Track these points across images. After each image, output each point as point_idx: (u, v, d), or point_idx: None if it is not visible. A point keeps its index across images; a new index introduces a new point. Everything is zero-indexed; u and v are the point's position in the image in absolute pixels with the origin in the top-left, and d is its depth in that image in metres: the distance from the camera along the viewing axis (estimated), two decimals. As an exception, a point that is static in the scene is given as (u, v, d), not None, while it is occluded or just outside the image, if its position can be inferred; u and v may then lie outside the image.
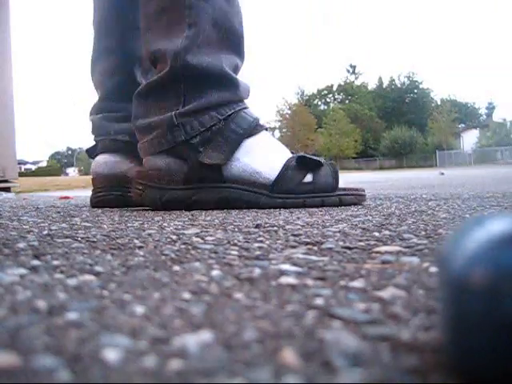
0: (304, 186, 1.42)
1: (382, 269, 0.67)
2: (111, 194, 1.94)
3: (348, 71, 62.03)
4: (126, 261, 0.75)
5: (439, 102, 55.93)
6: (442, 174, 10.60)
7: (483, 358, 0.27)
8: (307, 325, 0.42)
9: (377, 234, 1.01)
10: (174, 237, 1.02)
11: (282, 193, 1.38)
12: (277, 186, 1.38)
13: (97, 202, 1.97)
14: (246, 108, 1.45)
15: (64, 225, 1.30)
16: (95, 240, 0.98)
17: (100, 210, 1.90)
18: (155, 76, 1.39)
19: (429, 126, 49.80)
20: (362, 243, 0.89)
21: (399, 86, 57.97)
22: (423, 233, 1.01)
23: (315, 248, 0.85)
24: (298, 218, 1.36)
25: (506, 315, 0.26)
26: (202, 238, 0.99)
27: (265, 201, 1.38)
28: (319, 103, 61.87)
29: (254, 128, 1.42)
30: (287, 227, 1.15)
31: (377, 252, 0.80)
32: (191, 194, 1.40)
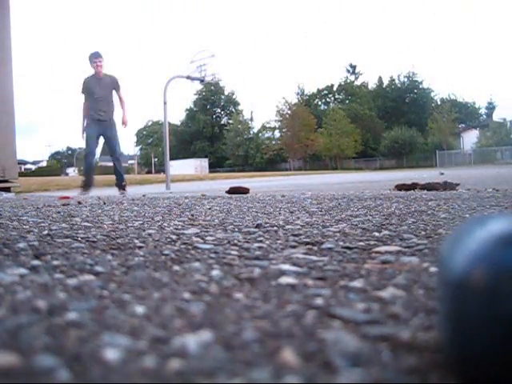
0: None
1: (382, 269, 0.67)
2: None
3: (348, 71, 62.12)
4: (125, 261, 0.75)
5: (439, 102, 55.96)
6: (442, 173, 10.60)
7: (483, 358, 0.27)
8: (307, 325, 0.42)
9: (377, 233, 1.02)
10: (174, 237, 1.02)
11: None
12: None
13: None
14: None
15: (64, 225, 1.30)
16: (95, 240, 0.98)
17: (100, 210, 1.90)
18: None
19: (429, 125, 49.82)
20: (362, 243, 0.90)
21: (399, 85, 57.99)
22: (423, 233, 1.01)
23: (315, 248, 0.85)
24: (298, 218, 1.36)
25: (506, 315, 0.26)
26: (202, 238, 0.99)
27: None
28: (319, 103, 61.91)
29: None
30: (287, 227, 1.15)
31: (377, 252, 0.80)
32: None
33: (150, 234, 1.05)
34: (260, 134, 55.39)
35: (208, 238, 0.99)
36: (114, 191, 5.81)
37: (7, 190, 4.89)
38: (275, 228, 1.13)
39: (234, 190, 3.64)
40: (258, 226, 1.16)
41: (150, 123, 64.40)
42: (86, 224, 1.30)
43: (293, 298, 0.51)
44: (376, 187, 4.23)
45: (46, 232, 1.11)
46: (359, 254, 0.78)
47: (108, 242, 0.94)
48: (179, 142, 56.92)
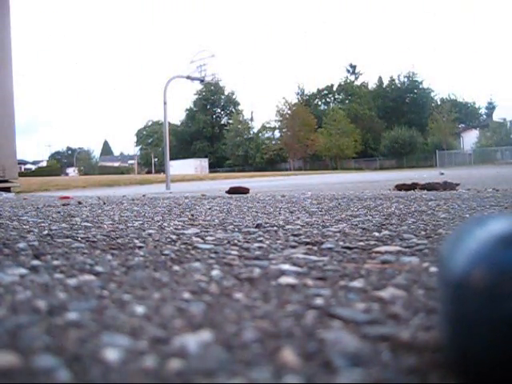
0: None
1: (382, 269, 0.67)
2: None
3: (348, 71, 62.13)
4: (125, 261, 0.75)
5: (439, 102, 55.97)
6: (442, 173, 10.60)
7: (483, 358, 0.27)
8: (307, 325, 0.42)
9: (377, 233, 1.02)
10: (174, 237, 1.02)
11: None
12: None
13: None
14: None
15: (64, 225, 1.30)
16: (95, 240, 0.98)
17: (100, 210, 1.90)
18: None
19: (429, 125, 49.88)
20: (362, 243, 0.90)
21: (399, 85, 57.99)
22: (423, 233, 1.01)
23: (315, 248, 0.85)
24: (298, 218, 1.36)
25: (506, 315, 0.26)
26: (202, 238, 0.99)
27: None
28: (319, 103, 61.92)
29: None
30: (287, 227, 1.15)
31: (377, 252, 0.80)
32: None
33: (150, 234, 1.05)
34: (260, 134, 55.37)
35: (208, 238, 0.99)
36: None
37: (7, 189, 4.89)
38: (275, 228, 1.13)
39: (233, 190, 3.64)
40: (258, 226, 1.16)
41: (150, 123, 64.39)
42: (86, 224, 1.30)
43: (293, 298, 0.51)
44: (376, 187, 4.23)
45: (46, 232, 1.11)
46: (359, 254, 0.78)
47: (108, 242, 0.94)
48: (179, 142, 56.90)
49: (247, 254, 0.79)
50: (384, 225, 1.14)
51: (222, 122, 59.42)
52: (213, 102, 59.82)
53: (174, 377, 0.30)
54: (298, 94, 60.35)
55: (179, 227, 1.19)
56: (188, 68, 11.57)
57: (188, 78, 11.46)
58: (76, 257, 0.78)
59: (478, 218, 0.36)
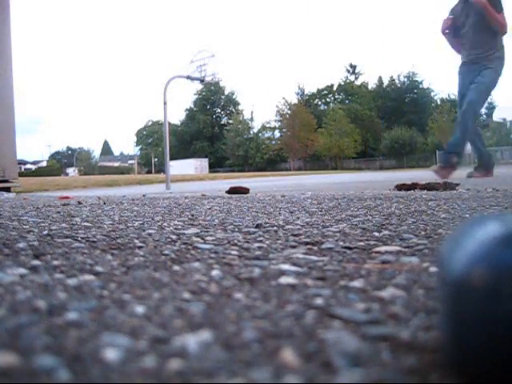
0: None
1: (382, 269, 0.67)
2: None
3: (348, 71, 62.12)
4: (125, 261, 0.75)
5: (439, 102, 55.98)
6: (442, 173, 10.58)
7: (483, 358, 0.27)
8: (307, 325, 0.42)
9: (377, 233, 1.02)
10: (174, 237, 1.02)
11: None
12: None
13: None
14: None
15: (64, 225, 1.30)
16: (95, 240, 0.98)
17: (100, 210, 1.90)
18: None
19: (429, 126, 49.91)
20: (361, 243, 0.90)
21: (399, 85, 58.02)
22: (423, 233, 1.01)
23: (315, 248, 0.85)
24: (298, 218, 1.36)
25: (506, 315, 0.26)
26: (202, 238, 0.99)
27: None
28: (319, 103, 61.94)
29: None
30: (287, 227, 1.15)
31: (377, 252, 0.80)
32: None
33: (150, 234, 1.06)
34: (260, 134, 55.35)
35: (208, 238, 0.99)
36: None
37: (7, 189, 4.90)
38: (275, 228, 1.13)
39: (233, 190, 3.64)
40: (258, 226, 1.16)
41: (150, 123, 64.40)
42: (85, 224, 1.31)
43: (293, 297, 0.51)
44: (376, 187, 4.23)
45: (45, 232, 1.11)
46: (359, 254, 0.78)
47: (108, 242, 0.94)
48: (179, 142, 56.91)
49: (247, 254, 0.79)
50: (384, 225, 1.14)
51: (222, 122, 59.40)
52: (213, 102, 59.80)
53: (174, 377, 0.30)
54: (297, 94, 60.34)
55: (179, 227, 1.19)
56: (188, 68, 11.56)
57: (188, 78, 11.45)
58: (76, 257, 0.78)
59: (477, 218, 0.36)
